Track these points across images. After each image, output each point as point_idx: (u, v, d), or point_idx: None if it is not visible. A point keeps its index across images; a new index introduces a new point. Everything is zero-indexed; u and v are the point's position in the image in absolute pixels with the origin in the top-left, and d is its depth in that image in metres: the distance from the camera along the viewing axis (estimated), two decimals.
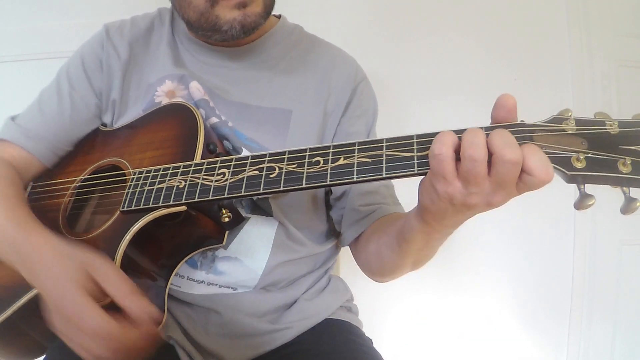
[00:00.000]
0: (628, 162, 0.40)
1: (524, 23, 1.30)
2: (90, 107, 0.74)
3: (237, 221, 0.62)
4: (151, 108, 0.72)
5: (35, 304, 0.59)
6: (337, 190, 0.74)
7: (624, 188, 0.40)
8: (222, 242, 0.64)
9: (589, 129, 0.42)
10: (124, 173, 0.64)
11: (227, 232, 0.64)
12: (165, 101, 0.72)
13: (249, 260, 0.69)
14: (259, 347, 0.69)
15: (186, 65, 0.75)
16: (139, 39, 0.77)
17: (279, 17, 0.82)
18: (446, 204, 0.43)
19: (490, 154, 0.40)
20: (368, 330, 0.79)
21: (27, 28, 0.84)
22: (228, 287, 0.69)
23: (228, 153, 0.69)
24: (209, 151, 0.62)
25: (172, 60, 0.74)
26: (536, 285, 1.32)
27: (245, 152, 0.69)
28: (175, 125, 0.65)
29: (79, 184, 0.69)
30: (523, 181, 0.40)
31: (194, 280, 0.68)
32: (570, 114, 0.44)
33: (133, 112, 0.73)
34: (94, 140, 0.74)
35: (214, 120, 0.70)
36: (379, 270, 0.67)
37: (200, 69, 0.74)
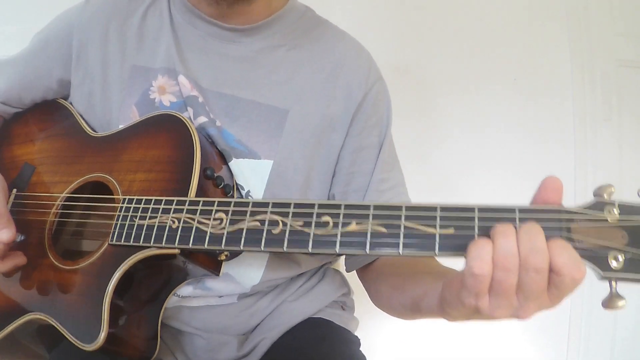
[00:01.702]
0: None
1: (524, 23, 1.21)
2: (52, 78, 0.69)
3: (235, 256, 0.55)
4: (145, 104, 0.62)
5: (24, 329, 0.56)
6: None
7: None
8: (218, 274, 0.57)
9: (632, 221, 0.35)
10: (113, 198, 0.56)
11: (223, 264, 0.57)
12: (157, 98, 0.62)
13: (240, 277, 0.62)
14: None
15: (178, 50, 0.63)
16: (123, 5, 0.66)
17: None
18: (471, 313, 0.37)
19: None
20: (366, 326, 0.74)
21: (26, 28, 0.72)
22: (214, 297, 0.63)
23: (230, 173, 0.60)
24: (205, 177, 0.54)
25: (164, 44, 0.63)
26: None
27: (233, 160, 0.60)
28: (169, 144, 0.56)
29: (64, 202, 0.61)
30: (553, 284, 0.34)
31: (180, 296, 0.62)
32: (612, 191, 0.36)
33: (119, 99, 0.63)
34: (81, 147, 0.64)
35: (202, 119, 0.60)
36: (385, 310, 0.60)
37: (193, 53, 0.63)
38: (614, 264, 0.35)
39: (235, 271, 0.62)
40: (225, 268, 0.59)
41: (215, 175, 0.55)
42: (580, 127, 1.22)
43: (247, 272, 0.62)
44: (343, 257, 0.75)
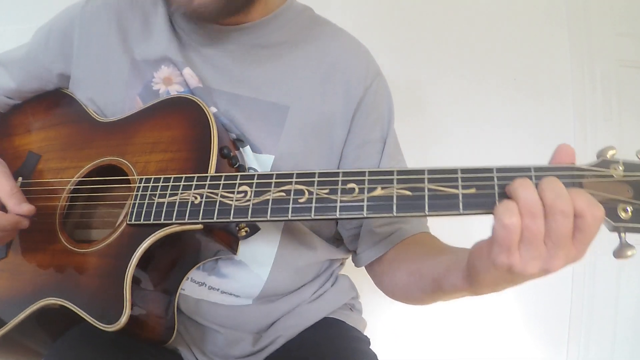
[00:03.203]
0: None
1: (524, 23, 1.30)
2: (52, 73, 0.74)
3: (254, 232, 0.60)
4: (149, 96, 0.67)
5: (35, 317, 0.59)
6: None
7: None
8: (235, 253, 0.62)
9: (636, 176, 0.42)
10: (128, 179, 0.60)
11: (240, 242, 0.62)
12: (162, 89, 0.67)
13: (253, 264, 0.67)
14: None
15: (180, 45, 0.69)
16: (126, 5, 0.71)
17: None
18: (503, 274, 0.42)
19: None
20: (372, 328, 0.78)
21: (26, 28, 0.77)
22: (230, 295, 0.67)
23: (240, 153, 0.65)
24: (222, 155, 0.59)
25: (165, 38, 0.68)
26: (536, 286, 1.34)
27: (244, 150, 0.65)
28: (184, 124, 0.61)
29: (74, 186, 0.64)
30: (577, 227, 0.40)
31: (196, 282, 0.66)
32: (614, 153, 0.43)
33: (122, 92, 0.68)
34: (89, 133, 0.68)
35: (213, 109, 0.65)
36: (401, 300, 0.65)
37: (193, 50, 0.69)
38: (623, 215, 0.41)
39: (248, 258, 0.66)
40: (237, 256, 0.65)
41: (231, 155, 0.60)
42: (580, 127, 1.30)
43: (258, 259, 0.67)
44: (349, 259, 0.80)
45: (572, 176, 0.42)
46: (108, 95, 0.69)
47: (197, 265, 0.63)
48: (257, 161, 0.65)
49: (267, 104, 0.66)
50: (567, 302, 1.35)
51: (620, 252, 0.42)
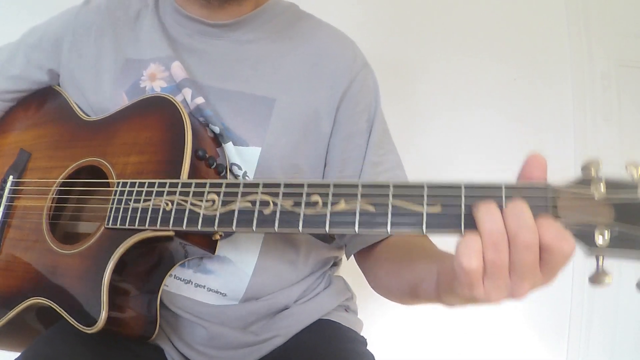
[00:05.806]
0: None
1: (524, 23, 1.22)
2: (43, 69, 0.72)
3: (229, 235, 0.55)
4: (135, 93, 0.63)
5: (25, 313, 0.58)
6: None
7: None
8: (213, 253, 0.58)
9: (619, 197, 0.35)
10: (108, 182, 0.57)
11: (218, 243, 0.58)
12: (148, 86, 0.64)
13: (237, 260, 0.63)
14: (245, 357, 0.64)
15: (168, 41, 0.65)
16: (118, 8, 0.69)
17: None
18: (467, 301, 0.38)
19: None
20: (369, 329, 0.74)
21: (27, 28, 0.75)
22: (217, 292, 0.63)
23: (223, 153, 0.60)
24: (197, 157, 0.55)
25: (156, 36, 0.65)
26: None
27: (226, 146, 0.61)
28: (161, 125, 0.57)
29: (59, 187, 0.61)
30: (544, 261, 0.34)
31: (182, 279, 0.62)
32: (599, 168, 0.36)
33: (110, 90, 0.65)
34: (75, 132, 0.65)
35: (200, 100, 0.61)
36: (385, 296, 0.61)
37: (181, 46, 0.65)
38: (599, 240, 0.35)
39: (232, 254, 0.62)
40: (220, 251, 0.61)
41: (207, 156, 0.56)
42: (580, 126, 1.22)
43: (243, 255, 0.63)
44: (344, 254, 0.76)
45: (546, 197, 0.36)
46: (97, 92, 0.66)
47: (180, 263, 0.59)
48: (243, 155, 0.61)
49: (254, 97, 0.62)
50: (567, 302, 1.29)
51: (595, 278, 0.36)
